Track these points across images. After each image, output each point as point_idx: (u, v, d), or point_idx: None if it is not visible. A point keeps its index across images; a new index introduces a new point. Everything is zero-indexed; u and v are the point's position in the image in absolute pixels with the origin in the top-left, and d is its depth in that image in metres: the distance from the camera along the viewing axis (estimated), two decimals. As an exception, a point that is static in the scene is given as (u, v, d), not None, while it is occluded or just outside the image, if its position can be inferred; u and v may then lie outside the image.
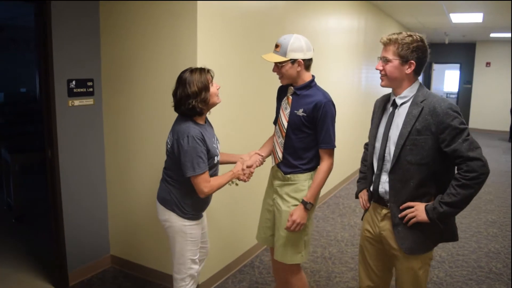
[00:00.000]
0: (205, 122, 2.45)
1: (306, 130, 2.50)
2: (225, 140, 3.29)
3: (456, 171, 2.05)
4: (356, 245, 4.34)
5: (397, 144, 2.11)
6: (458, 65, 15.58)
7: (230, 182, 2.53)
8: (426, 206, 2.07)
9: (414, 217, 2.10)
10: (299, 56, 2.46)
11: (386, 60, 2.13)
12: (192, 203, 2.44)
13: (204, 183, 2.31)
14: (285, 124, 2.55)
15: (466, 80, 14.33)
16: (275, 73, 2.54)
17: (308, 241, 2.64)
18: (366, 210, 2.43)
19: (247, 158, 2.66)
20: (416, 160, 2.07)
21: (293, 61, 2.45)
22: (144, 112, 3.25)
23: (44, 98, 3.07)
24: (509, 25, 9.39)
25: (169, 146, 2.40)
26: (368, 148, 2.37)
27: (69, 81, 3.15)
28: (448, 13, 7.96)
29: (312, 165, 2.58)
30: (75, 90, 3.19)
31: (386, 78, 2.16)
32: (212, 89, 2.35)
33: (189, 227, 2.46)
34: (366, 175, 2.42)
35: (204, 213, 2.64)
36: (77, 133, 3.27)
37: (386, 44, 2.14)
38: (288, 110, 2.55)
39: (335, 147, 2.53)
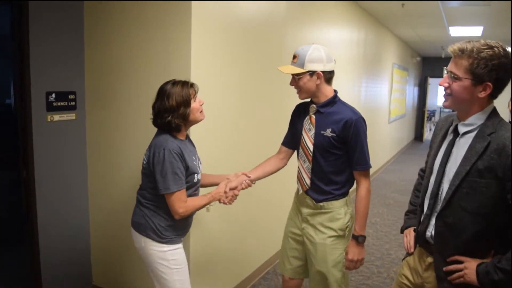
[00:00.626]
0: (186, 138, 2.25)
1: (336, 152, 2.28)
2: (221, 156, 3.05)
3: None
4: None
5: (451, 184, 1.69)
6: (453, 80, 15.48)
7: (208, 206, 2.27)
8: (478, 266, 1.63)
9: (461, 276, 1.67)
10: (318, 67, 2.23)
11: (454, 77, 1.66)
12: (170, 225, 2.18)
13: (180, 202, 2.09)
14: (311, 147, 2.31)
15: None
16: (293, 86, 2.31)
17: (348, 274, 2.42)
18: (408, 254, 2.03)
19: (234, 178, 2.37)
20: (473, 208, 1.64)
21: (312, 73, 2.23)
22: (132, 128, 2.94)
23: (20, 113, 2.76)
24: (508, 38, 9.27)
25: (145, 162, 2.18)
26: (425, 178, 1.93)
27: (48, 93, 2.83)
28: (448, 26, 7.83)
29: (346, 189, 2.35)
30: (55, 104, 2.88)
31: (451, 98, 1.70)
32: (194, 104, 2.16)
33: (170, 252, 2.18)
34: (417, 209, 2.00)
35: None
36: (56, 151, 2.94)
37: (457, 55, 1.65)
38: (313, 131, 2.31)
39: (371, 167, 2.32)
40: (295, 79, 2.27)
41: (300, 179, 2.40)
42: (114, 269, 3.23)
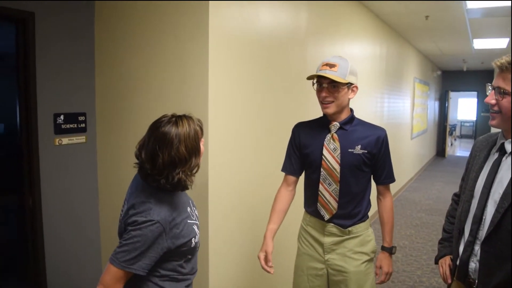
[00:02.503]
0: None
1: (366, 169, 2.17)
2: (241, 177, 2.83)
3: None
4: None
5: (499, 207, 1.54)
6: (474, 93, 15.19)
7: None
8: None
9: None
10: (355, 81, 2.11)
11: (503, 93, 1.52)
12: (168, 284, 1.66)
13: (111, 282, 1.50)
14: (337, 167, 2.13)
15: (484, 108, 13.83)
16: (324, 97, 2.10)
17: None
18: (449, 287, 1.86)
19: None
20: None
21: (349, 86, 2.10)
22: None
23: (25, 136, 2.57)
24: (534, 51, 8.97)
25: (120, 224, 1.63)
26: (461, 203, 1.78)
27: (56, 115, 2.65)
28: (472, 38, 7.58)
29: (369, 209, 2.24)
30: (63, 126, 2.69)
31: (500, 116, 1.57)
32: (202, 147, 1.67)
33: None
34: (451, 237, 1.86)
35: None
36: (65, 176, 2.74)
37: (505, 69, 1.52)
38: (338, 150, 2.12)
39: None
40: (331, 90, 2.08)
41: (324, 204, 2.17)
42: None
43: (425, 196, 7.98)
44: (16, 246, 4.07)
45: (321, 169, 2.16)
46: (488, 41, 7.88)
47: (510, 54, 1.55)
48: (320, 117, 2.26)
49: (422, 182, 9.44)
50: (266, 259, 2.19)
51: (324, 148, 2.15)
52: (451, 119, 16.58)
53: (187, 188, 1.64)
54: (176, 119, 1.60)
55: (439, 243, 2.02)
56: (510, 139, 1.60)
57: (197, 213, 1.81)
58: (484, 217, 1.61)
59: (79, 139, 2.80)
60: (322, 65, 2.09)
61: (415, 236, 5.60)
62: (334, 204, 2.16)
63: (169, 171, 1.54)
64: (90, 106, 2.86)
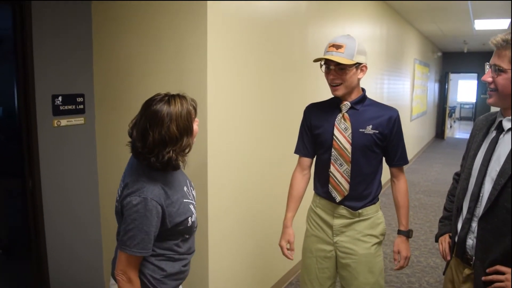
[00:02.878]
0: None
1: (377, 150, 2.13)
2: (241, 161, 2.84)
3: None
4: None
5: (496, 184, 1.55)
6: (474, 75, 15.12)
7: None
8: None
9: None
10: (364, 60, 2.08)
11: (498, 70, 1.54)
12: (166, 275, 1.69)
13: (130, 267, 1.57)
14: (348, 147, 2.10)
15: (484, 90, 13.78)
16: (332, 79, 2.07)
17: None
18: (448, 263, 1.88)
19: None
20: None
21: (358, 66, 2.06)
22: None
23: (24, 118, 2.55)
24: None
25: (117, 204, 1.64)
26: (460, 181, 1.79)
27: (55, 97, 2.63)
28: (474, 19, 7.52)
29: (379, 191, 2.21)
30: (61, 108, 2.67)
31: (497, 94, 1.58)
32: (195, 127, 1.64)
33: None
34: (451, 215, 1.87)
35: None
36: (64, 158, 2.74)
37: (501, 47, 1.54)
38: (349, 130, 2.10)
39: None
40: (338, 72, 2.04)
41: (336, 185, 2.14)
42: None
43: (424, 177, 8.01)
44: (19, 228, 4.11)
45: (332, 149, 2.13)
46: (489, 22, 7.80)
47: (508, 32, 1.55)
48: (332, 98, 2.22)
49: (421, 163, 9.46)
50: (290, 248, 2.27)
51: (335, 128, 2.13)
52: (450, 101, 16.53)
53: (178, 168, 1.64)
54: (169, 98, 1.57)
55: (440, 221, 2.03)
56: (508, 117, 1.60)
57: (194, 194, 1.81)
58: (481, 195, 1.62)
59: (78, 120, 2.79)
60: (329, 47, 2.05)
61: (413, 217, 5.63)
62: (345, 185, 2.13)
63: (160, 150, 1.52)
64: (88, 87, 2.84)
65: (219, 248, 2.68)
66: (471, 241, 1.65)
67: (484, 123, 1.77)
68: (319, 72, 2.17)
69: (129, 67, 2.73)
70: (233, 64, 2.67)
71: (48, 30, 2.57)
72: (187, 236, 1.72)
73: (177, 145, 1.55)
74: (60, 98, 2.65)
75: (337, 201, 2.16)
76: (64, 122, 2.70)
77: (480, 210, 1.61)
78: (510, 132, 1.59)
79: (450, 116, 18.12)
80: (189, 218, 1.67)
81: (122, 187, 1.62)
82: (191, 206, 1.71)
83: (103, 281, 3.08)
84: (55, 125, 2.66)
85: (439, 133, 14.12)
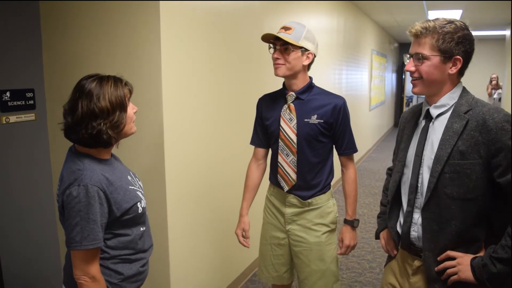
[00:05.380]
0: (111, 156, 1.66)
1: (323, 139, 2.13)
2: (200, 157, 2.79)
3: None
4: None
5: (433, 171, 1.57)
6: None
7: None
8: (473, 260, 1.52)
9: (455, 273, 1.54)
10: (312, 48, 2.08)
11: (421, 58, 1.56)
12: (124, 279, 1.61)
13: (89, 265, 1.47)
14: (293, 137, 2.12)
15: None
16: (275, 58, 2.08)
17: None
18: (390, 257, 1.87)
19: None
20: (459, 194, 1.52)
21: (303, 51, 2.06)
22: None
23: (-31, 115, 2.43)
24: (486, 22, 9.25)
25: (59, 205, 1.53)
26: (393, 175, 1.80)
27: (2, 92, 2.50)
28: (427, 10, 7.71)
29: (330, 180, 2.22)
30: (10, 104, 2.55)
31: (422, 82, 1.60)
32: (130, 110, 1.58)
33: None
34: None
35: None
36: (15, 156, 2.62)
37: (420, 35, 1.57)
38: (295, 120, 2.11)
39: (357, 150, 2.26)
40: (283, 51, 2.06)
41: (283, 175, 2.19)
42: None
43: (383, 165, 8.18)
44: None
45: (279, 140, 2.16)
46: (442, 13, 8.01)
47: (425, 20, 1.59)
48: (280, 89, 2.25)
49: (380, 152, 9.68)
50: (245, 236, 2.31)
51: (281, 118, 2.15)
52: (408, 91, 16.93)
53: (110, 144, 1.56)
54: (102, 76, 1.55)
55: (378, 217, 2.02)
56: (434, 104, 1.62)
57: (141, 184, 1.75)
58: (419, 185, 1.64)
59: (28, 116, 2.67)
60: (280, 29, 2.09)
61: (373, 205, 5.75)
62: (293, 175, 2.17)
63: (89, 122, 1.47)
64: (38, 81, 2.72)
65: (180, 242, 2.65)
66: (415, 233, 1.65)
67: (411, 115, 1.78)
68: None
69: (80, 61, 2.64)
70: (188, 58, 2.63)
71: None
72: (142, 229, 1.65)
73: (108, 118, 1.49)
74: (8, 94, 2.53)
75: (285, 191, 2.20)
76: (13, 118, 2.58)
77: (421, 201, 1.63)
78: (439, 119, 1.62)
79: (408, 105, 18.52)
80: (138, 204, 1.60)
81: (59, 183, 1.55)
82: (139, 193, 1.65)
83: (61, 270, 2.98)
84: (4, 122, 2.54)
85: (398, 122, 14.41)
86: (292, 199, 2.20)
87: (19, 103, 2.60)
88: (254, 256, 3.62)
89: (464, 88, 1.63)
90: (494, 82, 10.97)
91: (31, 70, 2.68)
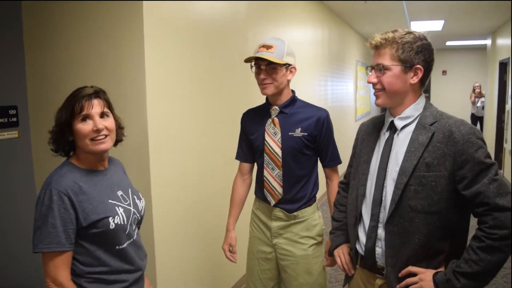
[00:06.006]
0: (107, 167, 1.64)
1: (307, 152, 2.13)
2: (188, 165, 2.79)
3: (477, 225, 1.47)
4: None
5: (398, 183, 1.54)
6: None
7: None
8: (435, 275, 1.49)
9: None
10: (293, 62, 2.10)
11: (382, 69, 1.56)
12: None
13: (57, 270, 1.44)
14: (279, 151, 2.12)
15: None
16: (263, 79, 2.08)
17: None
18: (349, 277, 1.81)
19: None
20: (424, 207, 1.50)
21: (287, 66, 2.08)
22: (84, 144, 2.60)
23: (-51, 134, 2.38)
24: (467, 32, 9.39)
25: None
26: (355, 188, 1.75)
27: (-16, 110, 2.47)
28: (410, 21, 7.83)
29: (315, 192, 2.22)
30: (-8, 121, 2.51)
31: (384, 93, 1.59)
32: (83, 127, 1.50)
33: None
34: (344, 224, 1.83)
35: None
36: (-2, 174, 2.57)
37: (379, 46, 1.57)
38: (279, 134, 2.11)
39: (341, 162, 2.24)
40: (269, 71, 2.06)
41: (269, 189, 2.18)
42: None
43: (370, 176, 8.18)
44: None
45: (264, 154, 2.16)
46: (424, 24, 8.16)
47: (384, 32, 1.60)
48: (264, 103, 2.26)
49: (367, 162, 9.67)
50: (232, 251, 2.31)
51: (266, 133, 2.15)
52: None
53: (71, 155, 1.59)
54: (84, 87, 1.58)
55: (331, 233, 1.95)
56: (399, 115, 1.61)
57: (139, 203, 1.70)
58: (383, 198, 1.60)
59: (11, 134, 2.62)
60: (259, 47, 2.08)
61: (362, 215, 5.74)
62: (279, 189, 2.16)
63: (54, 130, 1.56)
64: (21, 98, 2.67)
65: (167, 258, 2.61)
66: (379, 249, 1.62)
67: (371, 127, 1.77)
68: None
69: (64, 75, 2.60)
70: (172, 67, 2.63)
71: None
72: (119, 247, 1.56)
73: (55, 129, 1.58)
74: (-10, 111, 2.49)
75: (272, 205, 2.19)
76: (-5, 136, 2.53)
77: (384, 215, 1.59)
78: (404, 130, 1.60)
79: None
80: (110, 218, 1.51)
81: None
82: (119, 209, 1.57)
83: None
84: (-14, 139, 2.49)
85: (383, 132, 14.56)
86: (278, 212, 2.19)
87: (1, 120, 2.55)
88: (243, 271, 3.58)
89: (427, 100, 1.63)
90: (477, 91, 11.14)
91: (14, 87, 2.64)
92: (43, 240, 1.43)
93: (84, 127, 1.50)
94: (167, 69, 2.56)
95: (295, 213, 2.18)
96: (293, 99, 2.19)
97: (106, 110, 1.56)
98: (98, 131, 1.50)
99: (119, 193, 1.62)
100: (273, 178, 2.16)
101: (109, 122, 1.56)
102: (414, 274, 1.52)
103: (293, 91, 2.22)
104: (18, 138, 2.67)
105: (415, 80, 1.56)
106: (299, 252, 2.19)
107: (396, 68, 1.54)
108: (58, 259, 1.45)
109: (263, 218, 2.26)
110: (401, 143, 1.59)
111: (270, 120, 2.16)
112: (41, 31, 2.64)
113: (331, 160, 2.22)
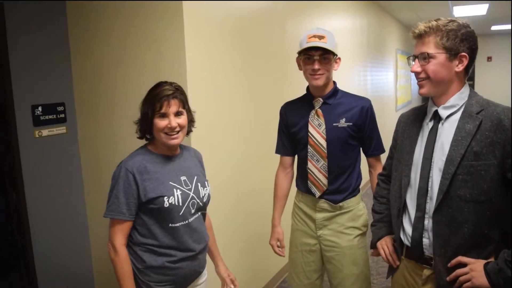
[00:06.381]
0: (180, 153, 1.84)
1: (353, 142, 2.13)
2: (225, 161, 2.81)
3: None
4: None
5: (445, 173, 1.51)
6: (456, 62, 15.25)
7: None
8: (486, 265, 1.45)
9: (469, 280, 1.47)
10: (338, 53, 2.09)
11: (426, 57, 1.53)
12: (148, 267, 1.71)
13: (113, 234, 1.67)
14: (323, 142, 2.10)
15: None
16: (317, 70, 2.05)
17: None
18: (393, 269, 1.79)
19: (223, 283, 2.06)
20: (473, 196, 1.47)
21: (334, 58, 2.08)
22: (129, 138, 2.67)
23: (3, 130, 2.50)
24: (513, 15, 9.02)
25: None
26: (398, 179, 1.73)
27: (34, 107, 2.58)
28: (452, 6, 7.56)
29: (359, 183, 2.20)
30: (42, 118, 2.62)
31: (429, 82, 1.56)
32: (160, 122, 1.70)
33: None
34: (386, 216, 1.82)
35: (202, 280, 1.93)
36: (48, 169, 2.69)
37: (423, 35, 1.54)
38: (323, 125, 2.09)
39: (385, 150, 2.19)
40: (322, 62, 2.05)
41: (314, 181, 2.17)
42: None
43: (412, 166, 8.02)
44: (5, 241, 4.02)
45: (308, 146, 2.15)
46: (467, 8, 7.85)
47: (428, 21, 1.56)
48: (304, 95, 2.24)
49: (408, 153, 9.47)
50: (280, 245, 2.31)
51: (309, 124, 2.14)
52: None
53: (148, 141, 1.80)
54: (161, 83, 1.77)
55: (372, 225, 1.93)
56: (443, 105, 1.58)
57: (201, 190, 1.82)
58: (429, 188, 1.58)
59: (60, 130, 2.74)
60: (309, 37, 2.04)
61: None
62: (324, 180, 2.15)
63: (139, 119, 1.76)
64: (68, 95, 2.79)
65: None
66: (427, 240, 1.59)
67: (413, 117, 1.74)
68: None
69: (107, 72, 2.69)
70: (212, 64, 2.65)
71: (22, 38, 2.52)
72: (170, 225, 1.71)
73: (141, 120, 1.76)
74: (40, 108, 2.60)
75: (317, 196, 2.17)
76: (45, 132, 2.65)
77: (431, 205, 1.57)
78: (449, 120, 1.57)
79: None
80: (165, 198, 1.68)
81: None
82: (176, 191, 1.72)
83: (93, 282, 3.04)
84: (37, 135, 2.61)
85: (425, 121, 14.20)
86: (323, 204, 2.18)
87: (50, 117, 2.67)
88: (283, 262, 3.60)
89: (471, 89, 1.60)
90: (524, 77, 10.67)
91: (61, 84, 2.75)
92: (108, 208, 1.67)
93: (161, 122, 1.70)
94: (207, 66, 2.59)
95: (341, 204, 2.16)
96: (335, 90, 2.17)
97: (181, 109, 1.73)
98: (171, 128, 1.70)
99: (182, 178, 1.78)
100: (318, 169, 2.14)
101: (183, 119, 1.74)
102: (464, 265, 1.49)
103: (334, 82, 2.20)
104: (66, 134, 2.78)
105: (460, 68, 1.53)
106: (345, 243, 2.17)
107: (441, 56, 1.51)
108: (117, 226, 1.67)
109: (307, 210, 2.24)
110: (447, 132, 1.56)
111: (313, 111, 2.14)
112: (86, 31, 2.73)
113: (376, 149, 2.20)
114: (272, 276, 3.54)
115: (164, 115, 1.69)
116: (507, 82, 12.52)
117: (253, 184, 3.16)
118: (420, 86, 1.59)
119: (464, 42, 1.51)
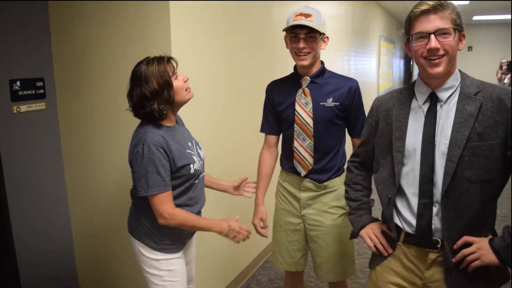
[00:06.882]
0: (176, 123, 1.95)
1: (339, 122, 2.12)
2: (213, 143, 2.81)
3: None
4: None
5: (450, 156, 1.48)
6: (438, 51, 15.42)
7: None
8: (492, 242, 1.46)
9: (477, 258, 1.47)
10: (326, 32, 2.07)
11: (445, 33, 1.45)
12: (166, 230, 1.88)
13: (164, 205, 1.78)
14: (309, 121, 2.10)
15: None
16: (302, 48, 2.03)
17: None
18: (382, 257, 1.71)
19: (239, 183, 2.23)
20: (478, 177, 1.47)
21: (322, 36, 2.05)
22: (109, 115, 2.64)
23: (-20, 105, 2.44)
24: (494, 6, 9.12)
25: (129, 159, 1.87)
26: (381, 168, 1.68)
27: (12, 81, 2.51)
28: (436, -5, 7.60)
29: (343, 163, 2.19)
30: (20, 93, 2.55)
31: (446, 59, 1.47)
32: (177, 83, 1.83)
33: (165, 262, 1.91)
34: (364, 203, 1.79)
35: (193, 241, 2.13)
36: (27, 145, 2.63)
37: (439, 8, 1.44)
38: (310, 104, 2.08)
39: None
40: (308, 40, 2.02)
41: (300, 160, 2.17)
42: (102, 270, 2.96)
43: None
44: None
45: (295, 125, 2.14)
46: (450, -3, 7.90)
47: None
48: (291, 73, 2.23)
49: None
50: (263, 225, 2.30)
51: (296, 103, 2.13)
52: (415, 76, 16.93)
53: (162, 117, 1.82)
54: (148, 60, 1.81)
55: (351, 214, 1.84)
56: (443, 87, 1.54)
57: (201, 153, 2.00)
58: (434, 174, 1.53)
59: (39, 106, 2.67)
60: (296, 15, 2.02)
61: (383, 192, 5.71)
62: (309, 159, 2.15)
63: (144, 103, 1.76)
64: (48, 70, 2.72)
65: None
66: (437, 226, 1.54)
67: (395, 101, 1.66)
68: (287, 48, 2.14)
69: (90, 49, 2.62)
70: (198, 43, 2.61)
71: (0, 7, 2.43)
72: (191, 184, 1.89)
73: (158, 98, 1.76)
74: (18, 83, 2.53)
75: (302, 175, 2.18)
76: (24, 108, 2.59)
77: (437, 190, 1.52)
78: (447, 102, 1.54)
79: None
80: (191, 165, 1.86)
81: (131, 143, 1.85)
82: (194, 157, 1.90)
83: (75, 268, 3.02)
84: (15, 111, 2.54)
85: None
86: (308, 183, 2.18)
87: (29, 92, 2.60)
88: (266, 242, 3.62)
89: (460, 70, 1.57)
90: (504, 67, 10.83)
91: (41, 59, 2.68)
92: (151, 185, 1.74)
93: (179, 81, 1.84)
94: (192, 46, 2.55)
95: (325, 183, 2.17)
96: (323, 69, 2.16)
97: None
98: (186, 81, 1.88)
99: (189, 143, 1.93)
100: (304, 148, 2.14)
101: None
102: (468, 245, 1.50)
103: (322, 62, 2.18)
104: (45, 110, 2.72)
105: (461, 47, 1.52)
106: (329, 222, 2.19)
107: (456, 33, 1.47)
108: (164, 196, 1.77)
109: (291, 189, 2.25)
110: (446, 115, 1.53)
111: (300, 90, 2.13)
112: (66, 5, 2.65)
113: (361, 130, 2.13)
114: (255, 257, 3.56)
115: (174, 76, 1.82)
116: (487, 72, 12.72)
117: (239, 163, 3.16)
118: (437, 65, 1.48)
119: (462, 22, 1.50)
